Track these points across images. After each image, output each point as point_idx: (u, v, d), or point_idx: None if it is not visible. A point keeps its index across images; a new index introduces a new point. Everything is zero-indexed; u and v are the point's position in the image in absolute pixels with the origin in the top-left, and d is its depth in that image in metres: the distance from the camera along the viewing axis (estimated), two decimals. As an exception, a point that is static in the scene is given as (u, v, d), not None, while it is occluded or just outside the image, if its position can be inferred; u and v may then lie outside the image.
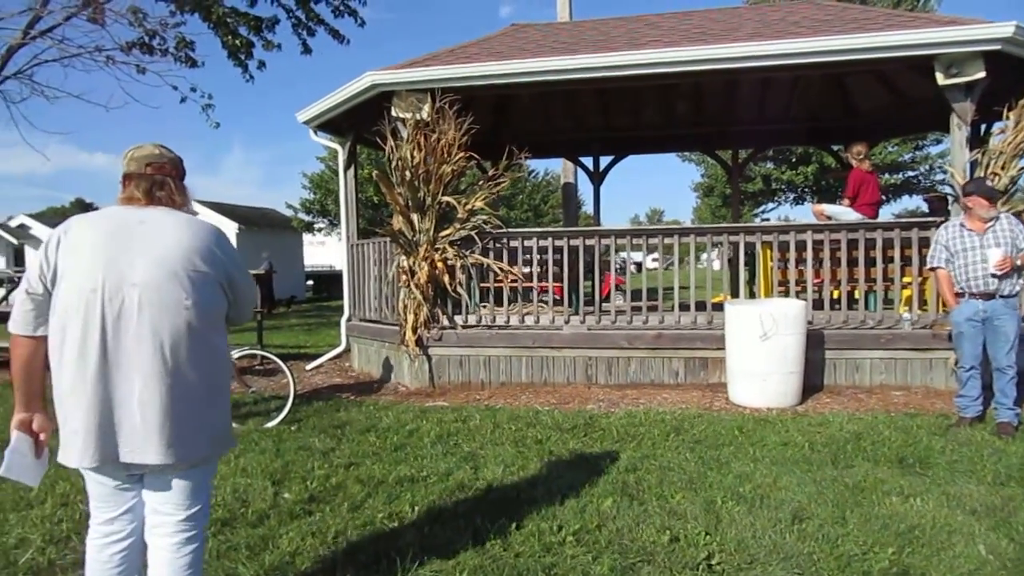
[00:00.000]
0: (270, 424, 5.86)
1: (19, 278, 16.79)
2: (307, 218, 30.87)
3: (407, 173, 7.00)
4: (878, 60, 6.68)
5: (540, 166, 46.58)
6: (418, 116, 7.05)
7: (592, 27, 8.77)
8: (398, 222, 7.19)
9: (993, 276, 5.13)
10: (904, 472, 4.33)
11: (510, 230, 7.52)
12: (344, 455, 4.97)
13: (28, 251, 29.25)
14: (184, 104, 13.08)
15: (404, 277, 7.19)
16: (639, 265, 32.65)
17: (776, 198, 27.57)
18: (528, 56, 7.25)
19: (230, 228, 24.34)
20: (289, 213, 31.01)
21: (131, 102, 20.68)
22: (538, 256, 7.70)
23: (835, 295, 7.17)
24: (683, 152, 26.07)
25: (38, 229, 29.45)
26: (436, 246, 7.12)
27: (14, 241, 29.20)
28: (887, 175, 24.45)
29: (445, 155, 6.92)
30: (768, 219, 28.47)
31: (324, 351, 9.86)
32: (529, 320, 7.38)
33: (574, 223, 12.75)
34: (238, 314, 2.48)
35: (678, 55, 6.60)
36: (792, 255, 6.95)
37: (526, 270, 7.51)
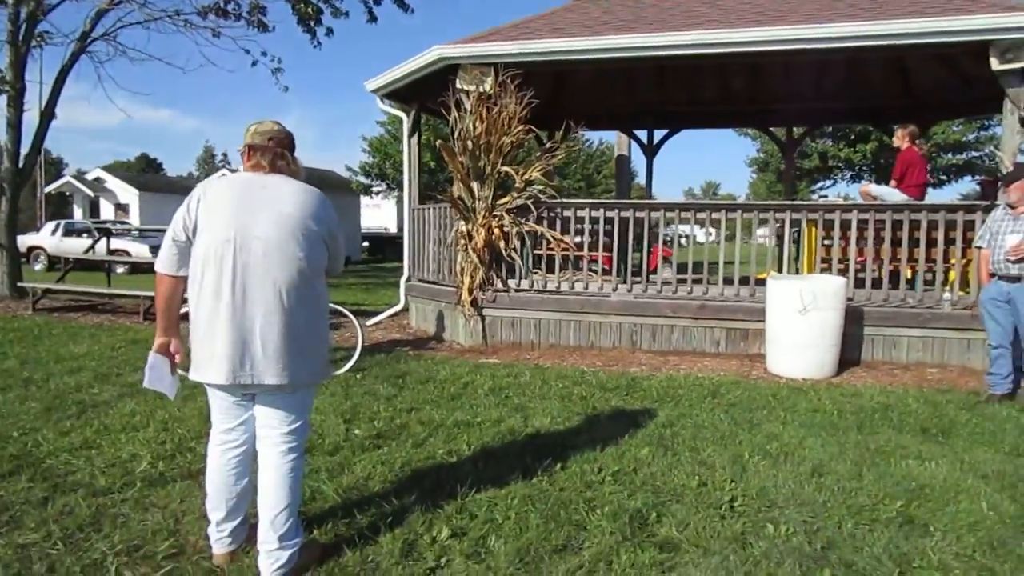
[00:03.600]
0: (339, 372, 6.40)
1: (99, 229, 17.82)
2: (365, 181, 31.57)
3: (469, 143, 7.40)
4: (934, 45, 6.78)
5: (595, 137, 46.43)
6: (481, 89, 7.42)
7: (653, 4, 8.96)
8: (458, 189, 7.62)
9: (1009, 261, 5.34)
10: (925, 440, 4.63)
11: (564, 200, 7.88)
12: (406, 401, 5.48)
13: (103, 203, 30.67)
14: (255, 67, 13.71)
15: (462, 241, 7.64)
16: (690, 239, 32.56)
17: (833, 175, 27.18)
18: (589, 33, 7.53)
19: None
20: (347, 175, 31.75)
21: (207, 64, 21.51)
22: (590, 226, 8.05)
23: (877, 274, 7.36)
24: (737, 128, 25.86)
25: (113, 183, 30.77)
26: (493, 213, 7.54)
27: (91, 193, 30.59)
28: (950, 155, 23.91)
29: (506, 127, 7.29)
30: (826, 196, 28.11)
31: (382, 309, 10.43)
32: (579, 287, 7.77)
33: (626, 195, 13.00)
34: (334, 266, 2.96)
35: (733, 36, 6.82)
36: (836, 233, 7.16)
37: (577, 239, 7.87)
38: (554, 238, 7.57)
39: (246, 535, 2.94)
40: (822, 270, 7.37)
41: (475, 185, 7.53)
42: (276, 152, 2.84)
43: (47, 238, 21.74)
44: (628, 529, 3.20)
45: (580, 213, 7.71)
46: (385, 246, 28.72)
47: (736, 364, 7.00)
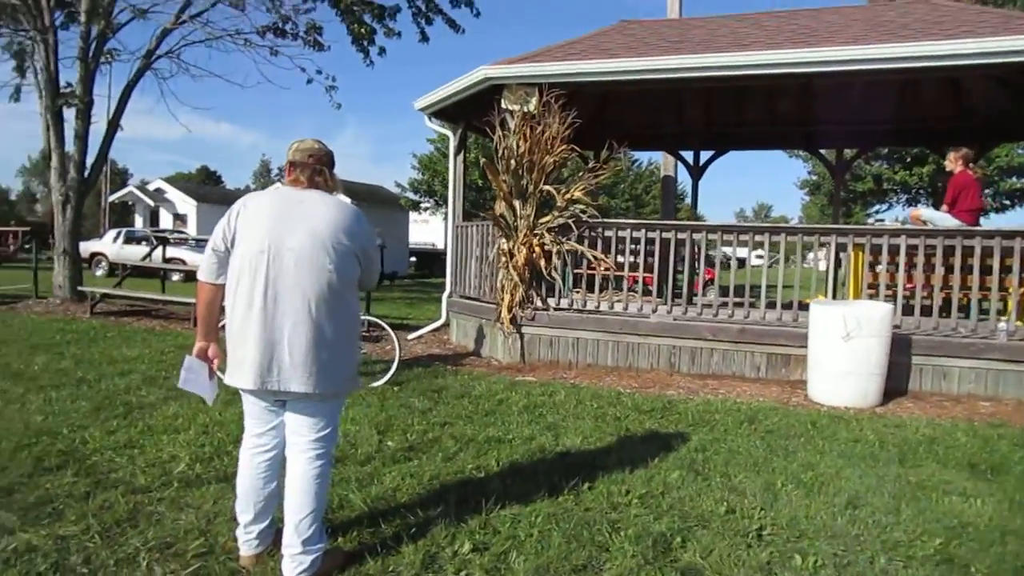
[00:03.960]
0: (376, 384, 6.49)
1: (156, 237, 18.38)
2: (414, 197, 32.03)
3: (512, 162, 7.47)
4: (990, 65, 6.62)
5: (643, 156, 46.26)
6: (526, 109, 7.50)
7: (699, 25, 8.95)
8: (500, 207, 7.69)
9: None
10: (972, 476, 4.46)
11: (606, 220, 7.88)
12: (440, 415, 5.53)
13: (163, 212, 31.73)
14: (310, 84, 14.09)
15: (503, 259, 7.69)
16: (742, 261, 32.16)
17: (888, 199, 26.50)
18: (634, 54, 7.56)
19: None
20: (396, 191, 32.25)
21: (264, 81, 22.27)
22: (632, 246, 8.02)
23: (930, 302, 7.16)
24: (786, 149, 25.48)
25: (172, 193, 31.82)
26: (535, 231, 7.58)
27: (151, 203, 31.69)
28: (1013, 179, 23.10)
29: (549, 147, 7.35)
30: (882, 220, 27.42)
31: (424, 323, 10.54)
32: (618, 307, 7.74)
33: (672, 216, 12.92)
34: (367, 280, 3.03)
35: (781, 57, 6.76)
36: (884, 258, 7.00)
37: (620, 259, 7.85)
38: (595, 257, 7.57)
39: (273, 538, 3.00)
40: (869, 296, 7.20)
41: (517, 203, 7.59)
42: (315, 168, 2.94)
43: (109, 245, 22.58)
44: (651, 552, 3.17)
45: (621, 233, 7.69)
46: (432, 262, 29.06)
47: (776, 390, 6.87)
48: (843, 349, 6.27)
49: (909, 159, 23.99)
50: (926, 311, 7.03)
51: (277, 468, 2.95)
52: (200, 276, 2.88)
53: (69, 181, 11.83)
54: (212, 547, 3.10)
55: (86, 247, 22.93)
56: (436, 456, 4.46)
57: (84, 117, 11.92)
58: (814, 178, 30.19)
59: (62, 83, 11.88)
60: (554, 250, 7.61)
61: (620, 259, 8.01)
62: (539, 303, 7.84)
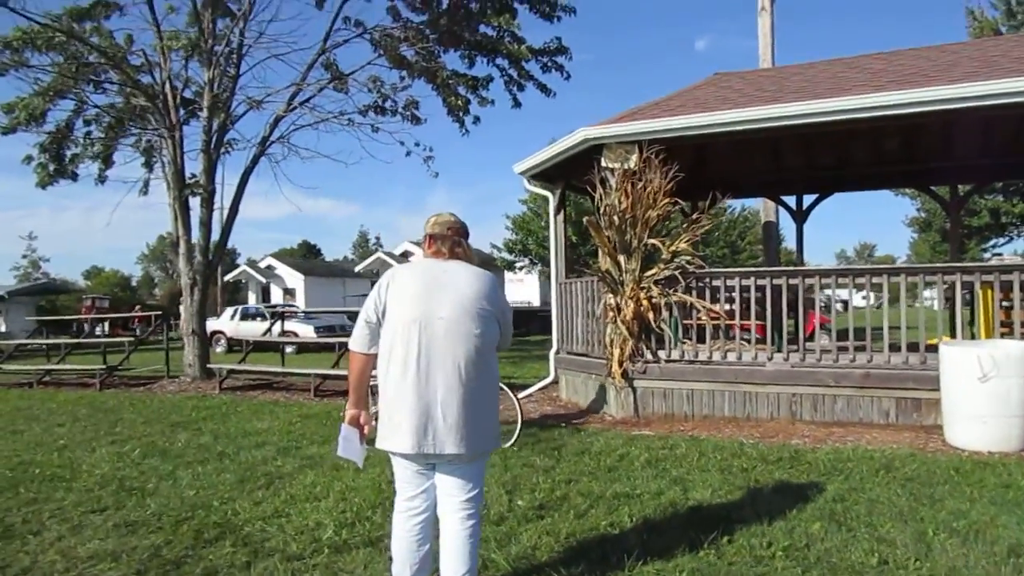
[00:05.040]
0: (505, 445, 6.46)
1: (272, 313, 19.33)
2: (509, 257, 32.61)
3: (615, 218, 7.61)
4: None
5: (736, 203, 45.53)
6: (626, 166, 7.66)
7: (796, 72, 8.95)
8: (606, 263, 7.80)
9: None
10: None
11: (712, 270, 7.86)
12: (563, 472, 5.57)
13: (272, 288, 33.46)
14: (409, 156, 14.78)
15: (611, 314, 7.76)
16: (845, 303, 30.95)
17: (1007, 233, 25.00)
18: (731, 107, 7.63)
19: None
20: (492, 252, 32.93)
21: (366, 157, 23.54)
22: (740, 295, 7.93)
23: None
24: (895, 189, 24.53)
25: (282, 269, 33.57)
26: (641, 285, 7.63)
27: (262, 280, 33.51)
28: None
29: (651, 201, 7.45)
30: (1000, 254, 25.85)
31: (531, 382, 10.64)
32: (731, 356, 7.64)
33: (775, 261, 12.68)
34: (504, 342, 3.18)
35: (885, 100, 6.67)
36: (1017, 295, 6.66)
37: (728, 307, 7.77)
38: (704, 308, 7.53)
39: (428, 599, 3.11)
40: (1002, 335, 6.84)
41: (622, 258, 7.69)
42: (454, 240, 3.14)
43: (227, 322, 23.92)
44: (805, 607, 3.10)
45: (729, 282, 7.65)
46: (529, 319, 29.22)
47: (910, 436, 6.56)
48: (980, 391, 5.96)
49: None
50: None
51: (430, 530, 3.08)
52: (352, 346, 3.09)
53: (196, 265, 12.76)
54: (370, 607, 3.24)
55: (207, 326, 24.45)
56: (567, 514, 4.50)
57: (207, 205, 12.91)
58: (923, 215, 28.87)
59: (187, 175, 12.92)
60: (662, 302, 7.62)
61: (728, 307, 7.91)
62: (649, 356, 7.83)
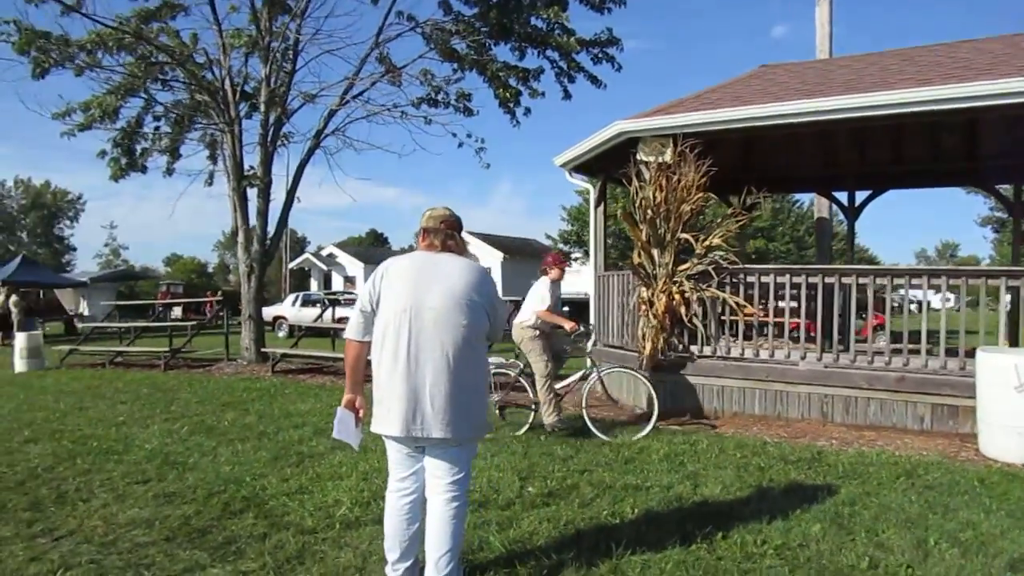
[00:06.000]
0: (640, 435, 6.60)
1: (328, 300, 19.88)
2: (565, 248, 32.65)
3: (649, 212, 7.62)
4: None
5: (805, 198, 44.31)
6: (661, 159, 7.65)
7: (844, 65, 8.75)
8: (639, 256, 7.83)
9: None
10: None
11: (747, 266, 7.79)
12: (580, 462, 5.68)
13: (335, 276, 34.30)
14: (461, 148, 15.00)
15: (643, 307, 7.79)
16: (920, 304, 29.83)
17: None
18: (771, 99, 7.53)
19: (496, 257, 26.81)
20: (548, 243, 33.01)
21: (418, 150, 23.87)
22: (792, 291, 7.81)
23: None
24: (951, 186, 23.44)
25: (343, 258, 34.43)
26: (674, 279, 7.64)
27: (325, 268, 34.47)
28: None
29: (685, 195, 7.44)
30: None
31: (571, 373, 10.70)
32: (764, 354, 7.58)
33: (828, 258, 12.40)
34: (493, 333, 3.32)
35: (929, 94, 6.48)
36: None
37: (777, 305, 7.67)
38: (737, 304, 7.49)
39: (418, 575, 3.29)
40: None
41: (655, 252, 7.71)
42: (446, 233, 3.30)
43: (289, 308, 24.74)
44: (781, 604, 3.15)
45: (764, 279, 7.57)
46: (584, 310, 29.18)
47: (943, 443, 6.41)
48: (1017, 401, 5.78)
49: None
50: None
51: (419, 510, 3.26)
52: (348, 334, 3.29)
53: (253, 253, 13.28)
54: (366, 582, 3.44)
55: (270, 311, 25.29)
56: (573, 502, 4.62)
57: (264, 196, 13.41)
58: (999, 214, 27.57)
59: (245, 167, 13.43)
60: (694, 297, 7.61)
61: (777, 305, 7.81)
62: (681, 350, 7.83)
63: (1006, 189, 11.53)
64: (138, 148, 14.33)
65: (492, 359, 7.44)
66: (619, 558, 3.65)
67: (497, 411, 7.19)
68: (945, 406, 6.68)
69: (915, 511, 4.48)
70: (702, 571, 3.49)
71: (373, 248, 56.90)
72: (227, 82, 13.11)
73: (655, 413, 6.80)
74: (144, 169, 14.49)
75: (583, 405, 6.98)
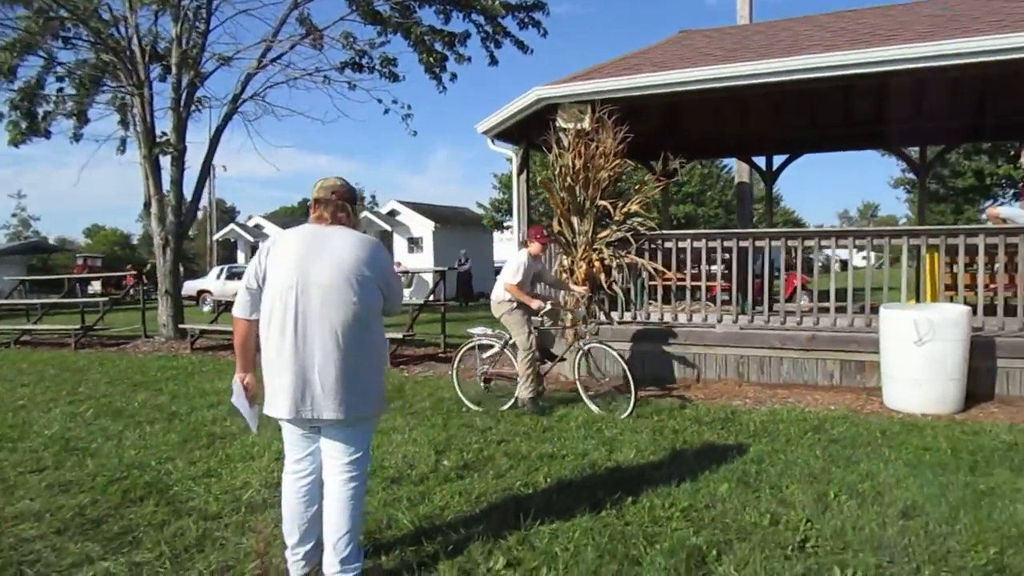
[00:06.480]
0: (622, 416, 6.08)
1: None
2: (497, 216, 32.52)
3: (568, 179, 7.59)
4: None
5: (734, 163, 45.10)
6: (579, 126, 7.60)
7: (760, 31, 8.83)
8: (559, 224, 7.81)
9: None
10: (1048, 483, 4.23)
11: (664, 232, 7.87)
12: (499, 433, 5.66)
13: (261, 247, 33.29)
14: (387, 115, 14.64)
15: (564, 275, 7.78)
16: (845, 263, 30.97)
17: (992, 194, 24.87)
18: (687, 65, 7.54)
19: (427, 227, 26.40)
20: (480, 212, 32.82)
21: (344, 117, 23.25)
22: (701, 255, 7.86)
23: (1013, 302, 6.77)
24: (863, 150, 24.26)
25: (270, 228, 33.37)
26: (594, 247, 7.64)
27: (251, 239, 33.43)
28: None
29: (603, 162, 7.42)
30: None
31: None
32: (682, 318, 7.69)
33: (749, 222, 12.66)
34: (390, 308, 3.20)
35: (832, 60, 6.60)
36: (961, 259, 6.68)
37: (695, 270, 7.75)
38: (655, 270, 7.55)
39: (319, 559, 3.19)
40: (948, 298, 6.87)
41: (575, 220, 7.69)
42: (337, 205, 3.14)
43: (213, 282, 23.98)
44: (683, 567, 3.19)
45: (682, 244, 7.65)
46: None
47: (851, 398, 6.65)
48: (917, 355, 6.02)
49: (1013, 152, 22.46)
50: (1011, 312, 6.65)
51: (317, 492, 3.15)
52: (235, 312, 3.13)
53: (168, 225, 12.74)
54: (267, 570, 3.33)
55: (194, 285, 24.47)
56: (488, 474, 4.59)
57: (178, 164, 12.83)
58: (910, 175, 28.67)
59: (158, 133, 12.81)
60: (614, 264, 7.64)
61: (701, 269, 7.90)
62: (602, 317, 7.87)
63: (914, 151, 11.92)
64: (40, 111, 13.49)
65: (477, 329, 7.23)
66: (527, 529, 3.63)
67: (482, 383, 6.98)
68: (853, 362, 6.91)
69: (819, 466, 4.61)
70: (608, 537, 3.51)
71: (304, 218, 55.15)
72: (135, 41, 12.39)
73: (633, 395, 6.14)
74: (48, 134, 13.66)
75: (577, 380, 6.62)
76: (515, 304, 6.46)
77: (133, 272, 22.31)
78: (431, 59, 14.08)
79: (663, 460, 4.83)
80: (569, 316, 7.20)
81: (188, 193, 13.22)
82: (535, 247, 6.60)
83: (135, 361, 10.53)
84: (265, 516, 3.97)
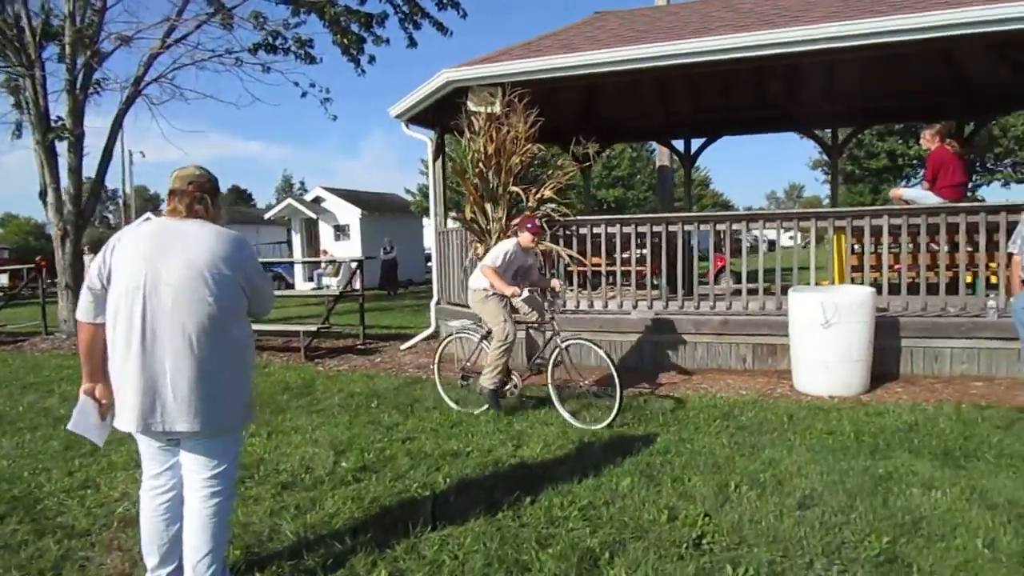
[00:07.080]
0: (603, 424, 5.40)
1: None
2: (425, 203, 32.09)
3: (480, 165, 7.38)
4: (977, 35, 6.36)
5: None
6: (490, 110, 7.39)
7: (673, 12, 8.77)
8: (472, 211, 7.60)
9: None
10: (943, 465, 4.27)
11: (578, 218, 7.74)
12: (405, 430, 5.45)
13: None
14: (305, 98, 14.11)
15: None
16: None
17: (905, 174, 25.85)
18: (597, 47, 7.40)
19: (354, 214, 25.76)
20: (408, 198, 32.31)
21: (259, 101, 22.26)
22: (616, 240, 7.78)
23: (915, 282, 6.92)
24: (778, 132, 24.80)
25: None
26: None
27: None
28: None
29: (515, 147, 7.23)
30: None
31: (418, 333, 10.46)
32: (598, 305, 7.60)
33: (670, 206, 12.69)
34: (257, 308, 2.93)
35: (737, 41, 6.57)
36: (867, 240, 6.77)
37: (624, 256, 7.63)
38: (570, 256, 7.43)
39: (184, 582, 2.94)
40: (854, 280, 6.97)
41: (488, 206, 7.49)
42: (195, 196, 2.84)
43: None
44: (574, 571, 3.05)
45: (596, 230, 7.55)
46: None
47: (763, 382, 6.68)
48: (824, 337, 6.06)
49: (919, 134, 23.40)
50: (914, 291, 6.78)
51: (178, 509, 2.87)
52: (78, 316, 2.82)
53: (66, 215, 11.97)
54: (126, 592, 3.05)
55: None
56: (386, 476, 4.38)
57: (76, 150, 12.04)
58: (826, 157, 29.57)
59: (52, 117, 12.00)
60: (529, 252, 7.47)
61: (616, 256, 7.80)
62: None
63: (827, 133, 12.14)
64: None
65: (455, 322, 6.81)
66: (417, 536, 3.44)
67: (460, 380, 6.36)
68: (764, 345, 6.95)
69: (724, 455, 4.56)
70: (499, 542, 3.35)
71: (234, 207, 53.61)
72: (23, 18, 11.55)
73: (619, 398, 5.38)
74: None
75: (549, 380, 5.83)
76: (491, 291, 5.92)
77: (44, 264, 21.12)
78: (346, 40, 13.61)
79: (569, 454, 4.70)
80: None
81: (88, 180, 12.47)
82: (525, 238, 5.96)
83: (30, 360, 9.88)
84: (136, 531, 3.66)
